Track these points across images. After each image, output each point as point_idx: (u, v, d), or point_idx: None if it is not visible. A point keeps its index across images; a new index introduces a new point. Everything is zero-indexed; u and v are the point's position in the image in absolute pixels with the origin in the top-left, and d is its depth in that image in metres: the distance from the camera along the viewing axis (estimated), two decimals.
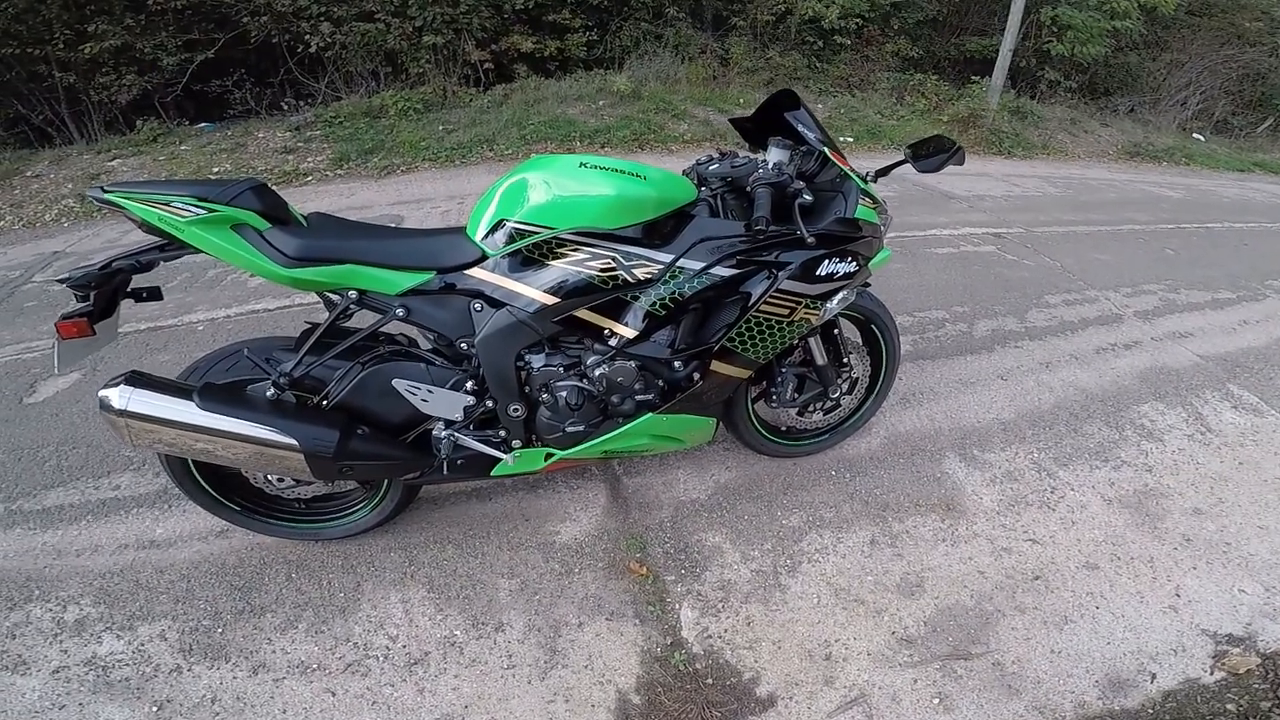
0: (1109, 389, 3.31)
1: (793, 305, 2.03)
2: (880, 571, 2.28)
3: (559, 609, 2.13)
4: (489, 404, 2.00)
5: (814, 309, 2.08)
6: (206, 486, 2.06)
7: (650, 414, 2.12)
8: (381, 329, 1.86)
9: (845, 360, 2.51)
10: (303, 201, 4.44)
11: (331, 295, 1.83)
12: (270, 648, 1.92)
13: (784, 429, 2.71)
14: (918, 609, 2.12)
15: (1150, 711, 1.92)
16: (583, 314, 1.91)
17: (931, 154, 2.06)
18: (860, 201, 2.00)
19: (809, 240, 1.91)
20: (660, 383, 2.10)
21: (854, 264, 2.05)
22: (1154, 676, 2.01)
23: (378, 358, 1.92)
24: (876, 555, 2.34)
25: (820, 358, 2.41)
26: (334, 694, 1.82)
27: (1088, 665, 1.98)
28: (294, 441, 1.77)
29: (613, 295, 1.89)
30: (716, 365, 2.08)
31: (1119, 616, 2.13)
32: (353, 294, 1.77)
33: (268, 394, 1.82)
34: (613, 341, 1.96)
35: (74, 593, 2.08)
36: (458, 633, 2.02)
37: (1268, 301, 4.64)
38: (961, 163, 2.04)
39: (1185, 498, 2.68)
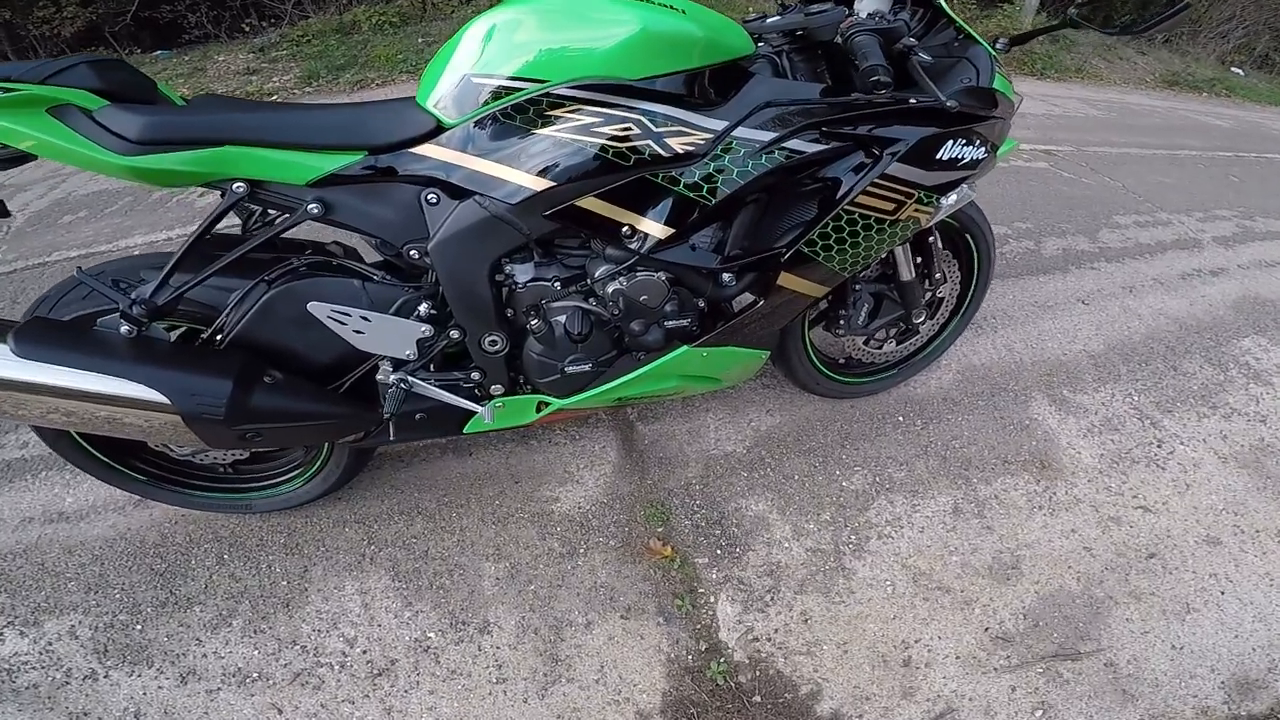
0: (1203, 320, 2.93)
1: (901, 199, 1.51)
2: (968, 550, 1.83)
3: (560, 603, 1.67)
4: (454, 335, 1.48)
5: (927, 205, 1.56)
6: (94, 451, 1.59)
7: (685, 347, 1.60)
8: (314, 244, 1.43)
9: (938, 275, 1.97)
10: None
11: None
12: (200, 650, 1.56)
13: (841, 361, 2.18)
14: (1015, 598, 1.73)
15: None
16: (589, 204, 1.36)
17: (1147, 19, 1.49)
18: (996, 70, 1.55)
19: (950, 106, 1.37)
20: (700, 303, 1.59)
21: (982, 150, 1.57)
22: None
23: (289, 272, 1.39)
24: (962, 528, 1.88)
25: (907, 271, 1.89)
26: (280, 711, 1.47)
27: (1212, 663, 1.66)
28: (162, 398, 1.25)
29: (633, 177, 1.35)
30: (786, 279, 1.55)
31: (1246, 603, 1.79)
32: (239, 186, 1.29)
33: (121, 330, 1.28)
34: (634, 244, 1.42)
35: None
36: (432, 634, 1.60)
37: None
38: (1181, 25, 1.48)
39: None
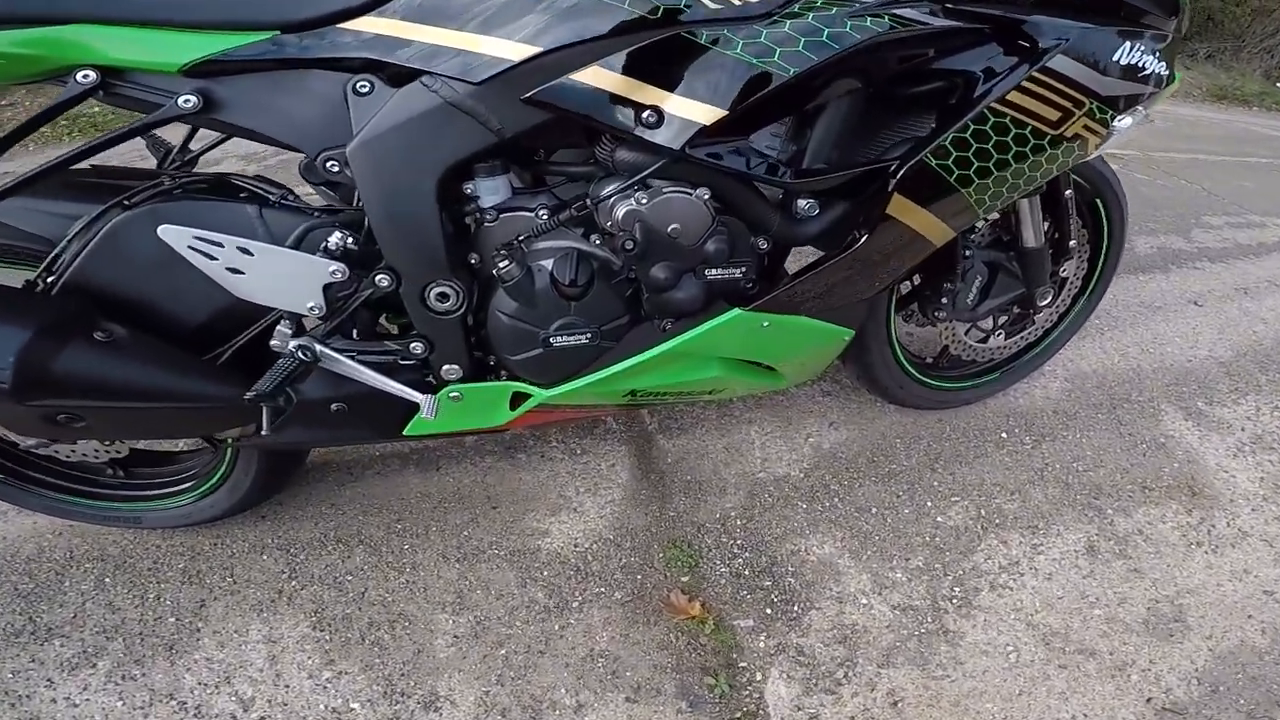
0: None
1: (1068, 107, 1.10)
2: (1113, 600, 1.39)
3: (541, 675, 1.20)
4: (382, 282, 1.03)
5: (1100, 123, 1.15)
6: None
7: (736, 310, 1.14)
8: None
9: (1072, 242, 1.51)
10: None
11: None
12: (50, 694, 1.20)
13: (928, 360, 1.70)
14: (1183, 658, 1.33)
15: None
16: (593, 77, 0.93)
17: None
18: None
19: None
20: (761, 242, 1.13)
21: (1163, 65, 1.20)
22: None
23: (161, 194, 1.02)
24: (1102, 572, 1.44)
25: (1033, 234, 1.41)
26: None
27: None
28: None
29: (664, 35, 0.92)
30: (900, 209, 1.09)
31: None
32: (85, 76, 0.95)
33: None
34: (660, 135, 0.95)
35: None
36: (356, 706, 1.16)
37: None
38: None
39: None
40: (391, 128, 0.94)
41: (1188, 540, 1.51)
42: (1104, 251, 1.66)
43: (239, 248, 0.95)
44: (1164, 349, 2.19)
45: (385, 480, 1.51)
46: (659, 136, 0.94)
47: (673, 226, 1.00)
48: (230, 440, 1.19)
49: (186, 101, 0.93)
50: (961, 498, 1.53)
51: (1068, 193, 1.41)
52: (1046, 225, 1.46)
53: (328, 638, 1.24)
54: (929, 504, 1.51)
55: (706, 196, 1.01)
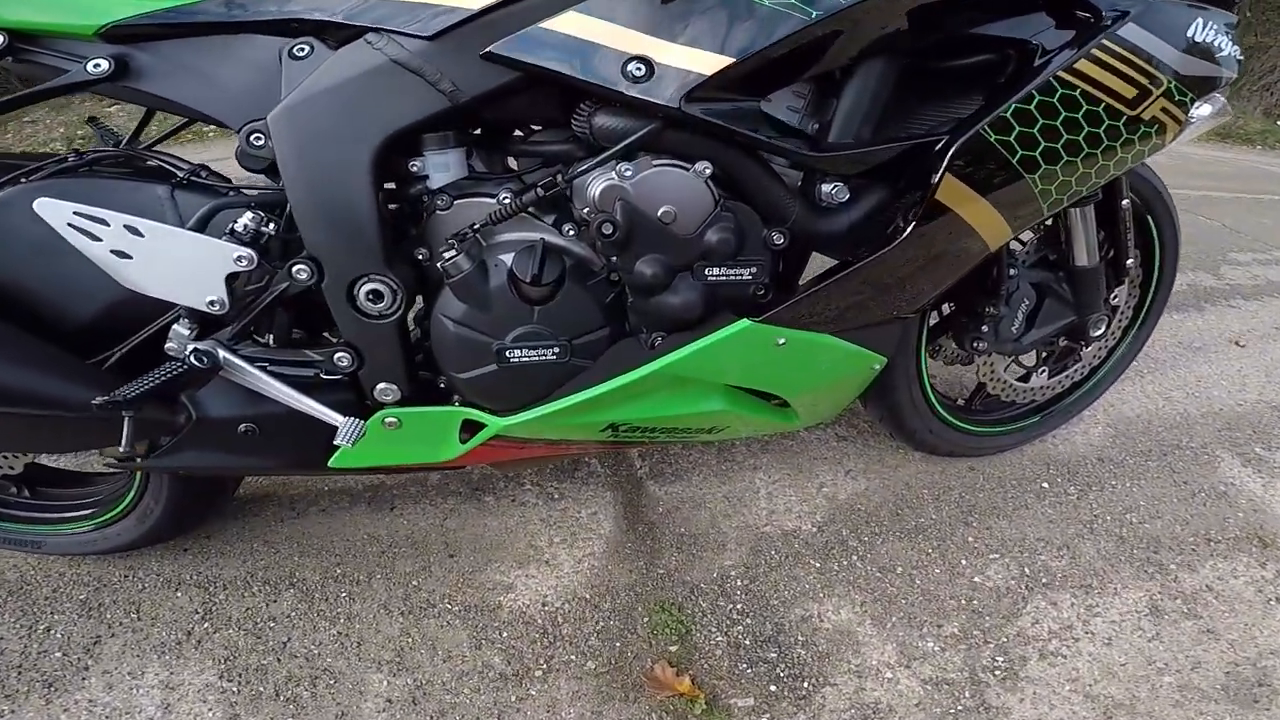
0: None
1: (1144, 84, 0.93)
2: (1185, 664, 1.19)
3: None
4: (299, 274, 0.86)
5: (1178, 106, 0.99)
6: None
7: (744, 321, 0.95)
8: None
9: (1130, 260, 1.32)
10: None
11: None
12: None
13: (959, 402, 1.51)
14: None
15: None
16: (569, 24, 0.79)
17: None
18: None
19: None
20: (776, 235, 0.94)
21: (1236, 49, 1.07)
22: None
23: (61, 172, 0.90)
24: (1170, 635, 1.24)
25: (1086, 251, 1.23)
26: None
27: None
28: None
29: None
30: (952, 193, 0.90)
31: None
32: None
33: None
34: (649, 93, 0.79)
35: None
36: None
37: None
38: None
39: None
40: (324, 90, 0.80)
41: (1265, 596, 1.31)
42: (1155, 276, 1.47)
43: (127, 226, 0.79)
44: (1210, 392, 2.02)
45: (330, 519, 1.32)
46: (649, 92, 0.76)
47: (664, 209, 0.83)
48: (113, 460, 1.01)
49: (96, 67, 0.83)
50: (1001, 554, 1.32)
51: (1124, 201, 1.23)
52: (1107, 238, 1.28)
53: (235, 689, 1.06)
54: (964, 562, 1.30)
55: (708, 173, 0.83)
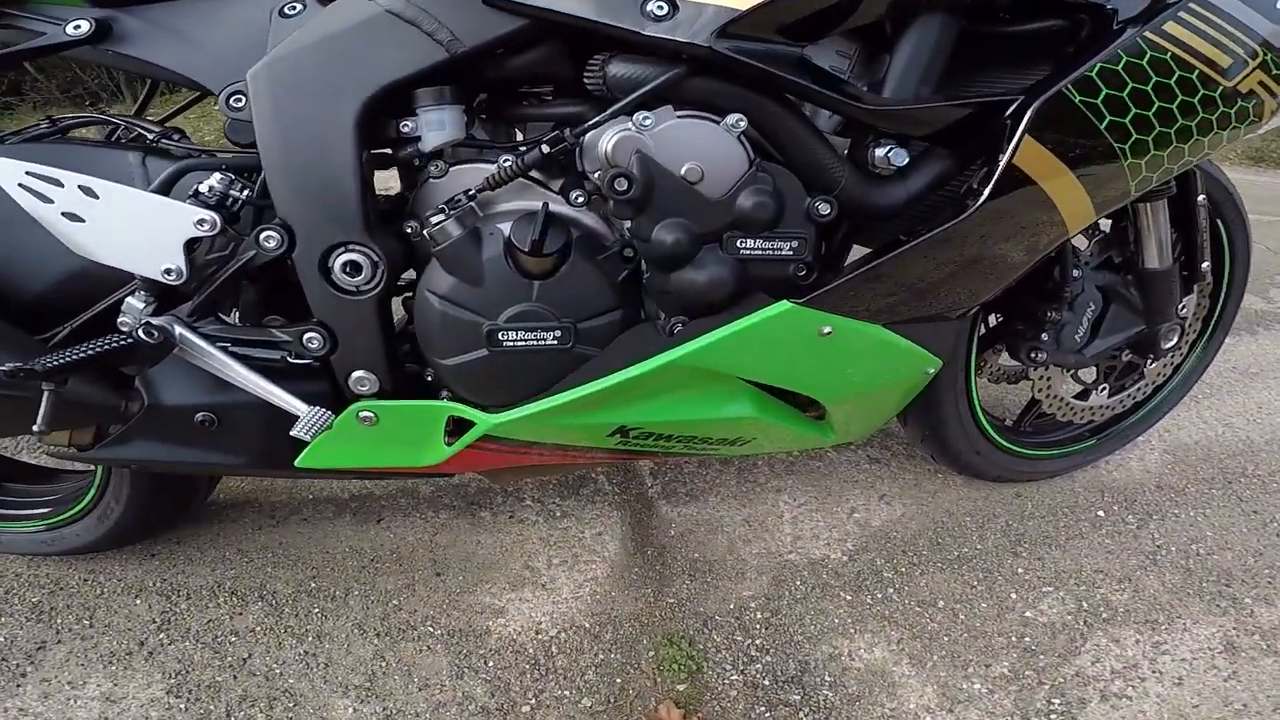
0: None
1: (1239, 54, 0.83)
2: (1266, 705, 1.07)
3: None
4: (268, 242, 0.77)
5: (1275, 81, 0.88)
6: None
7: (785, 303, 0.82)
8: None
9: (1204, 265, 1.20)
10: None
11: None
12: None
13: (1008, 422, 1.38)
14: None
15: None
16: None
17: None
18: None
19: None
20: (822, 205, 0.81)
21: None
22: None
23: (32, 136, 0.89)
24: (1248, 673, 1.12)
25: (1158, 253, 1.11)
26: None
27: None
28: None
29: None
30: (1036, 165, 0.79)
31: None
32: None
33: None
34: (674, 31, 0.70)
35: None
36: None
37: None
38: None
39: None
40: (309, 44, 0.74)
41: None
42: (1225, 285, 1.35)
43: (81, 187, 0.73)
44: (1273, 419, 1.90)
45: (310, 528, 1.23)
46: (674, 31, 0.67)
47: (689, 166, 0.72)
48: (56, 449, 0.94)
49: (76, 28, 0.79)
50: (1056, 588, 1.19)
51: (1200, 197, 1.11)
52: (1180, 239, 1.16)
53: (182, 706, 0.97)
54: (1013, 596, 1.16)
55: (742, 127, 0.73)
